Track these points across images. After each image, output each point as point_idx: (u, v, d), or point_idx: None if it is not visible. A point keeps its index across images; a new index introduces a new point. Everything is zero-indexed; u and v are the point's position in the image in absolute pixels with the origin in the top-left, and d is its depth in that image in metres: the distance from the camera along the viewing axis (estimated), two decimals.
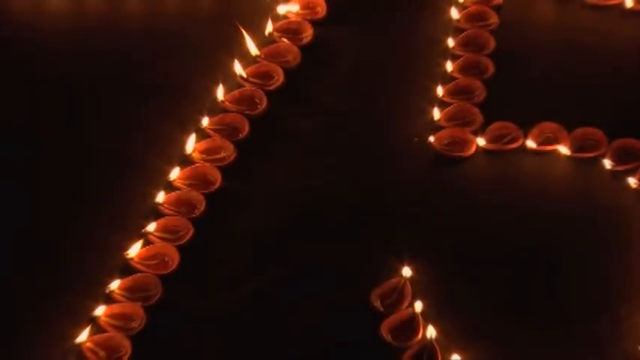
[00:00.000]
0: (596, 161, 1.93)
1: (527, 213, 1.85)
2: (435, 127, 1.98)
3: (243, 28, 2.11)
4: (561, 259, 1.78)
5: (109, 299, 1.72)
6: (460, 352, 1.64)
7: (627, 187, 1.89)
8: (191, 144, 1.94)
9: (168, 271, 1.76)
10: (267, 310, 1.71)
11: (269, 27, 2.16)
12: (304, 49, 2.13)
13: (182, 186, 1.89)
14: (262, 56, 2.11)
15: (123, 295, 1.72)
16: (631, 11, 2.19)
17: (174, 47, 2.16)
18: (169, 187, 1.88)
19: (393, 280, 1.73)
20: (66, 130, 2.00)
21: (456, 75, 2.07)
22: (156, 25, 2.23)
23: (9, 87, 2.09)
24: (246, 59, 2.10)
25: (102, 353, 1.66)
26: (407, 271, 1.74)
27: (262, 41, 2.14)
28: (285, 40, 2.15)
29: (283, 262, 1.77)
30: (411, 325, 1.68)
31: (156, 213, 1.84)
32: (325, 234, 1.82)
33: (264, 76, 2.08)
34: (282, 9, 2.20)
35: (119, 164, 1.93)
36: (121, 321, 1.69)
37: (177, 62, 2.13)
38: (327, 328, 1.69)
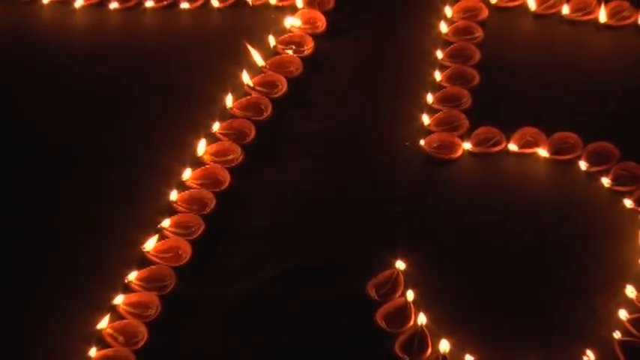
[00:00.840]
0: (573, 163, 1.92)
1: (509, 210, 1.85)
2: (425, 132, 1.98)
3: (250, 42, 2.11)
4: (541, 253, 1.78)
5: (127, 289, 1.73)
6: (448, 337, 1.64)
7: (601, 186, 1.89)
8: (202, 147, 1.94)
9: (182, 263, 1.76)
10: (271, 298, 1.72)
11: (273, 40, 2.15)
12: (306, 61, 2.13)
13: (194, 185, 1.89)
14: (267, 67, 2.11)
15: (140, 285, 1.73)
16: (604, 26, 2.18)
17: (188, 60, 2.16)
18: (182, 186, 1.89)
19: (387, 272, 1.73)
20: (89, 134, 2.00)
21: (445, 84, 2.07)
22: (170, 39, 2.23)
23: (35, 94, 2.09)
24: (253, 70, 2.10)
25: (120, 338, 1.66)
26: (400, 264, 1.73)
27: (267, 53, 2.14)
28: (288, 52, 2.14)
29: (287, 255, 1.78)
30: (403, 312, 1.68)
31: (170, 210, 1.85)
32: (325, 230, 1.82)
33: (270, 85, 2.08)
34: (286, 22, 2.19)
35: (137, 165, 1.93)
36: (138, 309, 1.70)
37: (190, 73, 2.13)
38: (327, 315, 1.69)
